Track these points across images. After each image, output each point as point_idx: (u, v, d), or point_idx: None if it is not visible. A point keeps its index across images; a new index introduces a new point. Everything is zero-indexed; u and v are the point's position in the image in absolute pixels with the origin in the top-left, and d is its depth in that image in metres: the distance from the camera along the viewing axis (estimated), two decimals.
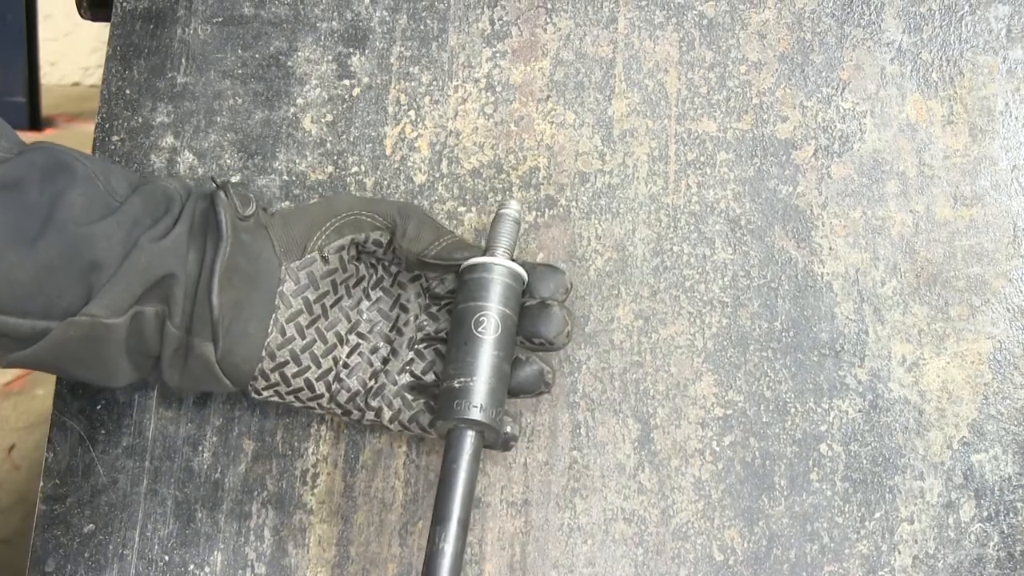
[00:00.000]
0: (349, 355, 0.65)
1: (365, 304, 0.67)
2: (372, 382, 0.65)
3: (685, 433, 0.69)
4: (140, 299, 0.59)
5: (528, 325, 0.65)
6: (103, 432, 0.71)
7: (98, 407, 0.71)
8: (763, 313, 0.70)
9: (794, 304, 0.71)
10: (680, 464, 0.69)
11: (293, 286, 0.63)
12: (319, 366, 0.64)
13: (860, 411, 0.69)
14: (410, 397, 0.65)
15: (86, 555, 0.69)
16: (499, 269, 0.64)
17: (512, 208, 0.67)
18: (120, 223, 0.59)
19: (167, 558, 0.69)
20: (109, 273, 0.58)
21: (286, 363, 0.63)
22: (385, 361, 0.66)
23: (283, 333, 0.63)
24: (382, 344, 0.66)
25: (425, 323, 0.67)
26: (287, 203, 0.73)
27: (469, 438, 0.61)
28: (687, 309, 0.71)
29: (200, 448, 0.71)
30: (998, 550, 0.67)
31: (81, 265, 0.57)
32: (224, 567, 0.69)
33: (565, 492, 0.69)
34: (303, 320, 0.63)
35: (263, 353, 0.62)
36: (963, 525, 0.67)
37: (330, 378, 0.64)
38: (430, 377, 0.66)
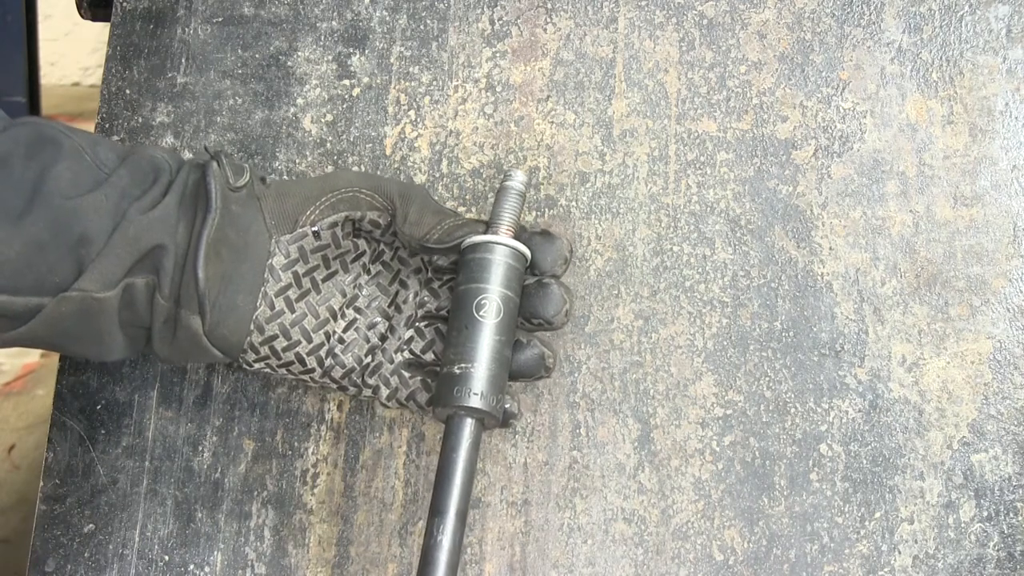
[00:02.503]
0: (345, 330, 0.65)
1: (364, 279, 0.66)
2: (368, 359, 0.65)
3: (685, 433, 0.69)
4: (130, 271, 0.59)
5: (526, 305, 0.64)
6: (103, 432, 0.71)
7: (98, 407, 0.71)
8: (763, 313, 0.70)
9: (794, 304, 0.71)
10: (680, 464, 0.69)
11: (283, 259, 0.63)
12: (310, 340, 0.63)
13: (860, 411, 0.69)
14: (407, 375, 0.65)
15: (86, 555, 0.69)
16: (501, 250, 0.62)
17: (517, 180, 0.66)
18: (108, 195, 0.58)
19: (167, 558, 0.69)
20: (98, 246, 0.57)
21: (275, 337, 0.62)
22: (383, 338, 0.65)
23: (272, 307, 0.62)
24: (380, 320, 0.66)
25: (426, 300, 0.66)
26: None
27: (468, 426, 0.60)
28: (687, 309, 0.71)
29: (200, 448, 0.71)
30: (998, 550, 0.67)
31: (70, 239, 0.57)
32: (224, 567, 0.69)
33: (565, 492, 0.69)
34: (292, 294, 0.63)
35: (251, 326, 0.62)
36: (963, 525, 0.67)
37: (322, 353, 0.64)
38: (429, 356, 0.65)
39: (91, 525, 0.70)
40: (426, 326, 0.66)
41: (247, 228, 0.62)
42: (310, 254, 0.64)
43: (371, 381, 0.64)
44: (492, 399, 0.60)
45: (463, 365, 0.60)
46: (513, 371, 0.64)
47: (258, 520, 0.69)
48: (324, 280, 0.65)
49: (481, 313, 0.61)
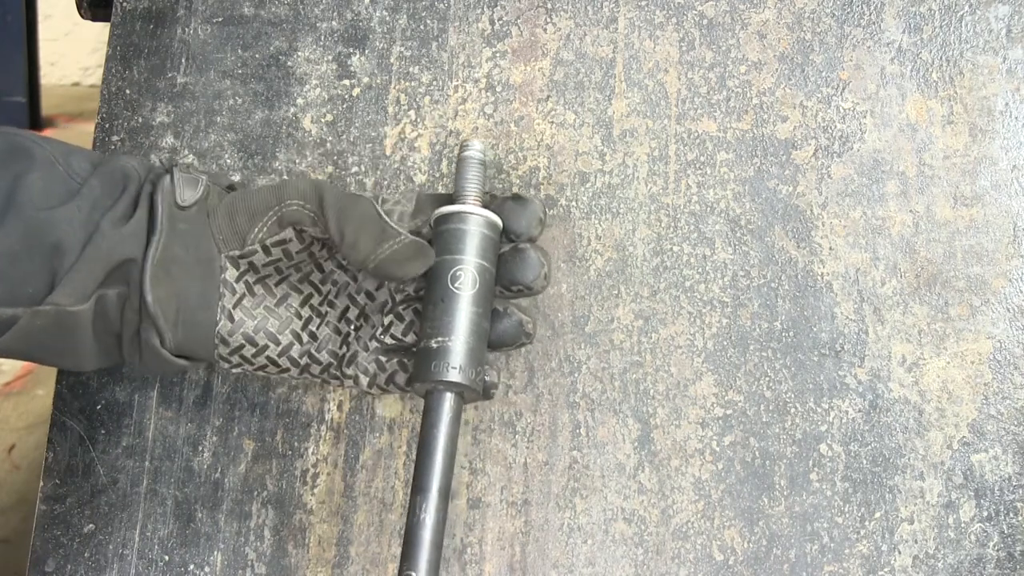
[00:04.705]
0: (318, 327, 0.64)
1: (317, 276, 0.65)
2: (343, 349, 0.64)
3: (685, 433, 0.69)
4: (103, 283, 0.59)
5: (504, 272, 0.63)
6: (103, 432, 0.71)
7: (98, 407, 0.71)
8: (763, 313, 0.70)
9: (794, 304, 0.71)
10: (680, 464, 0.69)
11: (235, 272, 0.63)
12: (277, 343, 0.63)
13: (860, 411, 0.69)
14: (384, 359, 0.64)
15: (86, 555, 0.69)
16: (475, 219, 0.62)
17: (475, 148, 0.65)
18: (80, 206, 0.59)
19: (167, 558, 0.69)
20: (71, 257, 0.58)
21: (242, 346, 0.63)
22: (356, 327, 0.65)
23: (231, 319, 0.62)
24: (349, 305, 0.65)
25: (406, 285, 0.65)
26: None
27: (448, 400, 0.60)
28: (687, 309, 0.71)
29: (200, 448, 0.71)
30: (998, 550, 0.67)
31: (43, 249, 0.57)
32: (224, 567, 0.69)
33: (565, 492, 0.69)
34: (248, 303, 0.63)
35: (216, 340, 0.62)
36: (963, 525, 0.67)
37: (294, 353, 0.64)
38: (411, 337, 0.64)
39: (91, 525, 0.70)
40: (404, 308, 0.65)
41: (196, 245, 0.62)
42: (261, 267, 0.64)
43: (349, 372, 0.64)
44: (471, 372, 0.60)
45: (440, 339, 0.60)
46: (493, 341, 0.63)
47: (258, 520, 0.69)
48: (277, 284, 0.64)
49: (457, 285, 0.60)
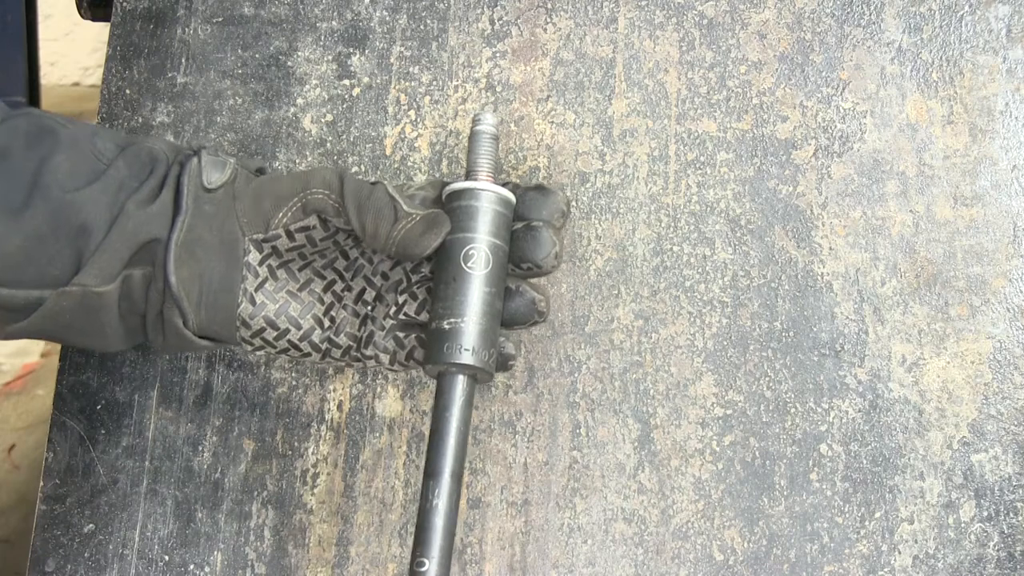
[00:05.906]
0: (336, 311, 0.64)
1: (342, 263, 0.65)
2: (361, 331, 0.64)
3: (685, 433, 0.69)
4: (128, 263, 0.59)
5: (515, 250, 0.62)
6: (103, 432, 0.71)
7: (98, 407, 0.71)
8: (763, 313, 0.70)
9: (794, 304, 0.71)
10: (680, 464, 0.69)
11: (258, 255, 0.62)
12: (299, 328, 0.63)
13: (860, 411, 0.69)
14: (402, 335, 0.64)
15: (86, 555, 0.69)
16: (487, 196, 0.60)
17: (488, 123, 0.63)
18: (106, 188, 0.59)
19: (167, 558, 0.69)
20: (97, 238, 0.58)
21: (263, 329, 0.63)
22: (372, 307, 0.65)
23: (253, 302, 0.62)
24: (367, 289, 0.65)
25: (421, 266, 0.65)
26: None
27: (460, 383, 0.59)
28: (687, 309, 0.71)
29: (200, 448, 0.71)
30: (998, 550, 0.67)
31: (69, 231, 0.58)
32: (224, 567, 0.69)
33: (565, 492, 0.69)
34: (270, 286, 0.63)
35: (237, 323, 0.62)
36: (963, 525, 0.67)
37: (315, 338, 0.64)
38: (424, 316, 0.63)
39: (91, 525, 0.70)
40: (418, 288, 0.64)
41: (221, 227, 0.62)
42: (285, 252, 0.63)
43: (368, 352, 0.64)
44: (484, 354, 0.59)
45: (452, 320, 0.58)
46: (505, 320, 0.62)
47: (258, 520, 0.69)
48: (301, 269, 0.64)
49: (469, 264, 0.59)
